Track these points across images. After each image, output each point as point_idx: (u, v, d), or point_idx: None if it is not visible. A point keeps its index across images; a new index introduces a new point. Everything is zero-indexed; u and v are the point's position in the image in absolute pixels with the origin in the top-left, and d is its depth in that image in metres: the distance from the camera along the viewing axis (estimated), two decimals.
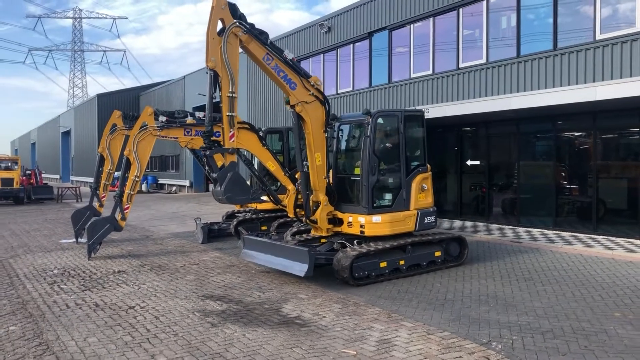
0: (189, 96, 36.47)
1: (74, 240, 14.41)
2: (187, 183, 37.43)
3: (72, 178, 55.03)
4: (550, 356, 5.96)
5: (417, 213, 10.25)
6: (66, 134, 59.48)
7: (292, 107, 9.67)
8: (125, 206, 12.47)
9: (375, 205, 9.89)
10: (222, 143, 8.68)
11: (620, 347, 6.22)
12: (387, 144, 10.39)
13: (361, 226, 9.81)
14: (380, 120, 10.18)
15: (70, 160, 57.61)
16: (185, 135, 12.43)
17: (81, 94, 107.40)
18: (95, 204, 14.54)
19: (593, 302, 8.07)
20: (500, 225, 16.02)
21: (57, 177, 61.33)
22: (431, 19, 17.74)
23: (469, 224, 16.85)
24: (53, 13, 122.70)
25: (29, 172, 34.34)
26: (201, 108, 32.06)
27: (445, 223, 17.22)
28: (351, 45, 21.56)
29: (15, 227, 18.45)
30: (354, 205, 10.15)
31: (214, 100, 8.67)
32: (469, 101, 15.84)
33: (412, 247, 9.93)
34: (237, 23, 8.79)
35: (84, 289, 9.31)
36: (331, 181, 10.26)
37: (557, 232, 14.36)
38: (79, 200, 30.84)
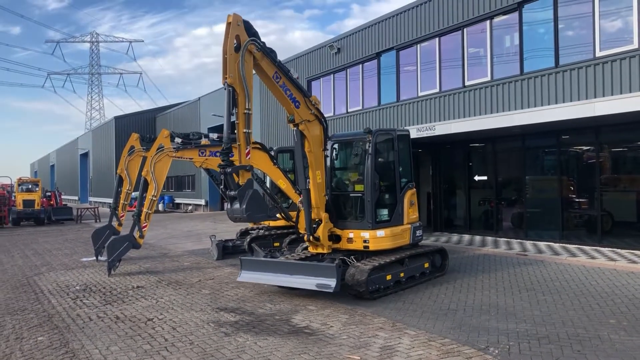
0: (203, 117, 37.30)
1: (94, 258, 14.96)
2: (202, 202, 38.10)
3: (91, 199, 56.05)
4: None
5: (411, 227, 10.84)
6: (84, 155, 60.71)
7: (296, 125, 9.89)
8: (143, 225, 13.02)
9: (377, 220, 10.30)
10: (238, 160, 8.71)
11: (611, 350, 6.55)
12: (385, 161, 10.88)
13: (365, 241, 10.12)
14: (379, 139, 10.64)
15: (89, 182, 58.73)
16: (200, 155, 12.95)
17: (99, 116, 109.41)
18: (115, 223, 15.12)
19: (590, 310, 8.39)
20: (509, 239, 16.33)
21: (76, 198, 62.47)
22: (437, 38, 18.26)
23: (477, 238, 17.16)
24: (71, 38, 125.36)
25: (49, 193, 35.19)
26: (215, 129, 32.87)
27: (455, 237, 17.55)
28: (360, 65, 22.15)
29: (37, 247, 19.10)
30: (353, 221, 10.51)
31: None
32: (474, 118, 16.24)
33: (408, 260, 10.40)
34: (252, 40, 8.92)
35: (105, 303, 9.81)
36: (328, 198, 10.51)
37: (564, 244, 14.64)
38: (98, 220, 31.55)
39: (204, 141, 13.92)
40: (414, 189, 11.18)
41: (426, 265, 10.91)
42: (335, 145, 11.22)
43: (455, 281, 10.84)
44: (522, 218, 16.43)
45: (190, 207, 40.03)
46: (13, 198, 31.77)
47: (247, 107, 8.69)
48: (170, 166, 13.28)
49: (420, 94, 18.98)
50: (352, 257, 10.06)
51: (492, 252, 14.25)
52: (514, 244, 15.48)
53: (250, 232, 15.44)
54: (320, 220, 10.17)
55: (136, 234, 13.01)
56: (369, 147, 10.19)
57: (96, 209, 34.41)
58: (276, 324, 8.11)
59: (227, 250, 14.96)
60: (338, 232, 10.45)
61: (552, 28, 14.63)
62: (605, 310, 8.36)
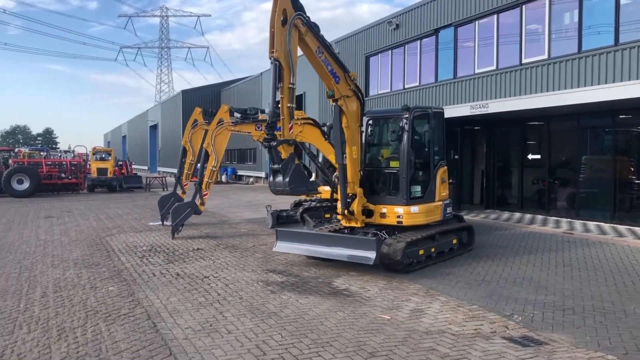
0: (265, 92, 38.25)
1: (160, 222, 16.18)
2: (262, 174, 39.33)
3: (159, 169, 58.70)
4: (565, 329, 6.69)
5: (442, 204, 10.99)
6: (154, 127, 63.42)
7: (335, 100, 9.88)
8: (204, 193, 14.02)
9: (411, 196, 10.45)
10: (282, 134, 8.81)
11: (633, 323, 6.85)
12: (420, 139, 10.94)
13: (398, 216, 10.24)
14: (416, 116, 10.66)
15: (157, 152, 61.46)
16: (256, 130, 13.74)
17: (167, 89, 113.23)
18: (179, 191, 16.24)
19: (623, 287, 8.62)
20: (559, 218, 16.34)
21: (146, 167, 65.53)
22: (495, 15, 18.15)
23: (527, 216, 17.25)
24: (142, 12, 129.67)
25: (120, 162, 37.33)
26: None
27: (505, 215, 17.70)
28: (418, 41, 22.24)
29: (110, 212, 20.66)
30: (387, 196, 10.65)
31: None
32: (529, 96, 16.19)
33: (439, 236, 10.64)
34: (299, 14, 8.91)
35: (167, 262, 10.83)
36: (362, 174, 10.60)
37: (614, 225, 14.56)
38: (165, 189, 33.30)
39: (261, 116, 14.70)
40: (446, 167, 11.27)
41: (454, 241, 11.17)
42: (370, 121, 11.23)
43: (495, 255, 11.20)
44: (575, 197, 16.37)
45: (251, 179, 41.39)
46: (88, 166, 34.03)
47: (291, 81, 8.72)
48: (232, 140, 14.11)
49: (477, 71, 18.98)
50: (384, 231, 10.24)
51: (539, 230, 14.40)
52: (562, 223, 15.52)
53: (304, 203, 16.19)
54: (355, 195, 10.28)
55: (197, 201, 14.02)
56: (406, 124, 10.30)
57: (164, 178, 36.30)
58: (318, 285, 8.82)
59: (281, 220, 15.77)
60: (371, 207, 10.54)
61: (613, 4, 14.33)
62: (638, 288, 8.57)
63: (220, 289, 8.64)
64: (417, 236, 10.00)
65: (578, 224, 15.18)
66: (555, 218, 16.42)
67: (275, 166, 8.74)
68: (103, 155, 34.26)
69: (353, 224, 10.54)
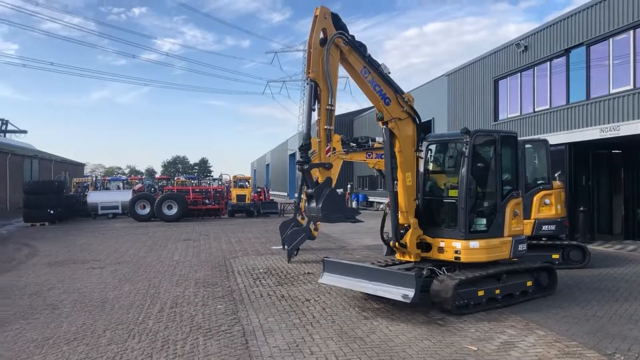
0: None
1: (282, 247, 17.01)
2: None
3: (296, 195, 61.07)
4: None
5: (512, 240, 9.64)
6: (292, 155, 66.41)
7: (385, 123, 9.39)
8: None
9: (472, 230, 9.40)
10: (319, 158, 8.54)
11: None
12: (484, 166, 9.76)
13: (456, 252, 9.26)
14: (478, 140, 9.74)
15: (296, 179, 64.15)
16: (367, 157, 14.06)
17: None
18: (299, 217, 17.00)
19: None
20: None
21: (285, 194, 68.66)
22: (631, 31, 16.88)
23: None
24: (287, 48, 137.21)
25: (259, 189, 39.68)
26: None
27: None
28: (548, 62, 21.27)
29: (241, 236, 22.13)
30: (446, 229, 9.68)
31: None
32: None
33: (506, 276, 9.39)
34: (339, 33, 8.67)
35: (277, 284, 11.45)
36: (419, 203, 9.87)
37: None
38: (298, 214, 34.67)
39: (376, 143, 15.03)
40: (520, 198, 10.04)
41: (529, 283, 9.72)
42: (432, 147, 10.42)
43: (617, 290, 10.35)
44: None
45: (381, 206, 41.65)
46: (229, 193, 36.62)
47: (329, 102, 8.44)
48: (364, 166, 14.51)
49: (612, 91, 17.70)
50: (444, 268, 9.43)
51: None
52: None
53: None
54: (409, 226, 9.53)
55: (312, 227, 14.61)
56: (466, 149, 9.35)
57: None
58: (414, 314, 8.82)
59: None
60: (429, 240, 9.68)
61: None
62: None
63: (317, 312, 9.00)
64: (472, 275, 8.90)
65: None
66: None
67: (309, 191, 8.46)
68: (242, 183, 36.66)
69: (407, 258, 9.80)
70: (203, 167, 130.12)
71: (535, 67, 22.15)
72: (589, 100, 18.67)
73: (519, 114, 23.14)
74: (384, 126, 9.48)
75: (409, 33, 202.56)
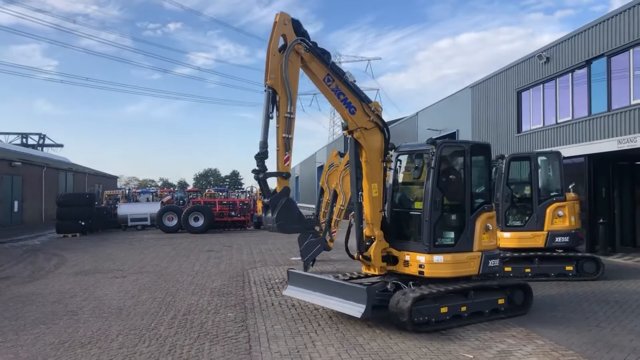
0: (420, 131, 38.60)
1: (301, 257, 17.28)
2: None
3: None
4: None
5: (482, 255, 9.18)
6: (320, 168, 66.89)
7: (350, 132, 9.18)
8: (333, 230, 14.84)
9: (437, 243, 9.01)
10: (276, 166, 8.31)
11: None
12: (452, 177, 9.45)
13: (420, 266, 8.93)
14: (445, 151, 9.39)
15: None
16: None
17: (340, 130, 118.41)
18: (317, 228, 17.26)
19: None
20: None
21: (313, 206, 68.99)
22: None
23: None
24: None
25: None
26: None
27: None
28: (570, 74, 21.17)
29: (263, 247, 22.48)
30: (412, 242, 9.33)
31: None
32: None
33: (474, 293, 9.00)
34: (300, 40, 8.47)
35: None
36: (387, 215, 9.60)
37: None
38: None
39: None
40: (493, 212, 9.55)
41: (500, 301, 9.29)
42: (401, 157, 10.04)
43: (626, 302, 10.32)
44: None
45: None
46: (256, 205, 37.11)
47: (288, 110, 8.23)
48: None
49: (632, 102, 17.54)
50: (410, 282, 9.00)
51: None
52: None
53: None
54: (374, 238, 9.31)
55: (327, 238, 14.87)
56: (433, 160, 9.03)
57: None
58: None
59: None
60: (395, 253, 9.37)
61: None
62: None
63: (323, 320, 9.24)
64: (434, 290, 8.48)
65: None
66: None
67: (265, 200, 8.22)
68: None
69: (372, 271, 9.59)
70: (234, 179, 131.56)
71: (558, 79, 22.05)
72: (610, 112, 18.52)
73: (541, 125, 23.02)
74: (349, 135, 9.33)
75: (441, 44, 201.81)
